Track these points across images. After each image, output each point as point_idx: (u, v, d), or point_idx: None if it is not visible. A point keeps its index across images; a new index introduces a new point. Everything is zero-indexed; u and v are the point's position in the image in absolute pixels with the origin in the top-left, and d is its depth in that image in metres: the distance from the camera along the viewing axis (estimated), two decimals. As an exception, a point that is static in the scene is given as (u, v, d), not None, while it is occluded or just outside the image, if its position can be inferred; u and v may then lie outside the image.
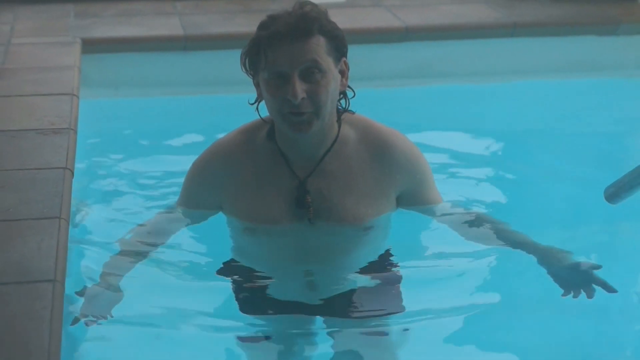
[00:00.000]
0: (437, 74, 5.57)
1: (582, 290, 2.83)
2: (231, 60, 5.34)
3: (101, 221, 3.76)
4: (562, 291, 2.87)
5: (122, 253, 3.17)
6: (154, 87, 5.37)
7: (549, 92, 5.57)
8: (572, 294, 2.85)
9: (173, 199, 3.39)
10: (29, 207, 3.07)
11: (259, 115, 3.05)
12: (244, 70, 2.98)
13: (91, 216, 3.77)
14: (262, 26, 2.91)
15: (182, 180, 3.27)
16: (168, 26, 5.61)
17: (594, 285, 2.84)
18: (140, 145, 4.86)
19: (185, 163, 4.48)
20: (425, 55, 5.55)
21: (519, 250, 3.08)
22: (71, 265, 2.91)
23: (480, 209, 3.47)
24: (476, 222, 3.24)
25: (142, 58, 5.39)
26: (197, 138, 4.93)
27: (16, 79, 4.51)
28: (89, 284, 3.01)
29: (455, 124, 5.09)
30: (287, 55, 2.85)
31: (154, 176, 4.37)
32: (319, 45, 2.87)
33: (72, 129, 3.78)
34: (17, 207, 3.07)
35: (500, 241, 3.15)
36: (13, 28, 5.50)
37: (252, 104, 3.04)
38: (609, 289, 2.83)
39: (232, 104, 5.30)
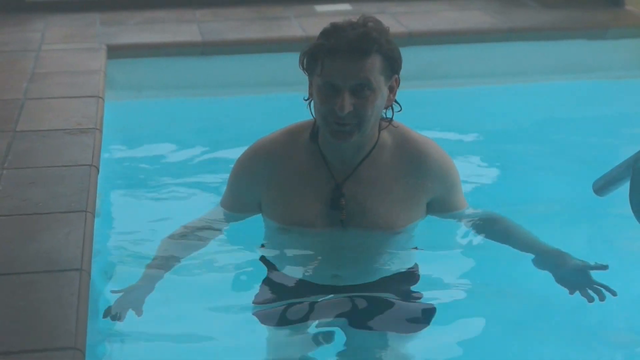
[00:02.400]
0: (439, 76, 5.56)
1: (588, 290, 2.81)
2: (246, 64, 5.43)
3: (124, 214, 3.76)
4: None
5: (164, 252, 3.11)
6: (174, 90, 5.37)
7: (542, 92, 5.56)
8: (577, 292, 2.82)
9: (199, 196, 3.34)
10: (57, 201, 3.08)
11: (311, 112, 2.96)
12: (300, 68, 2.90)
13: (114, 210, 3.78)
14: (325, 35, 2.84)
15: (199, 176, 3.23)
16: (187, 33, 5.61)
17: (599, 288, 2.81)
18: (161, 144, 4.86)
19: (203, 159, 4.51)
20: (428, 58, 5.54)
21: (529, 254, 3.03)
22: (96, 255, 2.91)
23: (499, 212, 3.33)
24: (496, 227, 3.16)
25: (163, 63, 5.39)
26: (215, 137, 4.93)
27: (46, 82, 4.52)
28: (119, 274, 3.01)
29: (454, 122, 5.09)
30: (342, 70, 2.78)
31: (174, 172, 4.37)
32: (374, 65, 2.80)
33: (97, 129, 3.79)
34: (46, 202, 3.08)
35: (517, 246, 3.09)
36: (44, 35, 5.50)
37: (306, 100, 2.97)
38: (610, 291, 2.80)
39: (247, 105, 5.33)
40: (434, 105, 5.32)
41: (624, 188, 2.71)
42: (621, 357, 3.03)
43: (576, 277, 2.89)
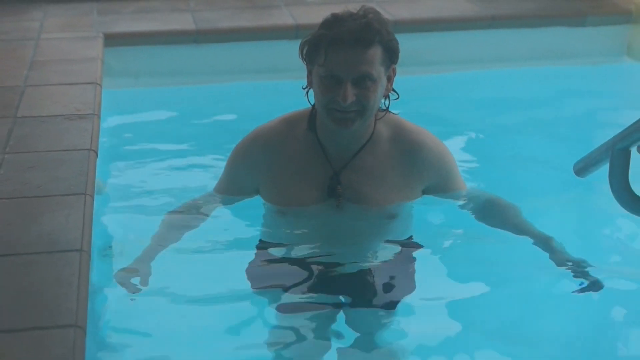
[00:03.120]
0: (424, 63, 5.54)
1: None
2: (238, 52, 5.42)
3: (121, 197, 3.76)
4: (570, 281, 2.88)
5: (158, 234, 3.12)
6: (168, 77, 5.35)
7: (524, 77, 5.56)
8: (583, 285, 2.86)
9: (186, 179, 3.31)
10: (57, 184, 3.08)
11: (308, 101, 2.95)
12: (300, 57, 2.87)
13: (111, 192, 3.77)
14: (326, 25, 2.81)
15: (191, 159, 3.19)
16: (181, 21, 5.59)
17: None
18: (156, 129, 4.85)
19: (196, 144, 4.50)
20: (413, 45, 5.49)
21: (527, 238, 3.05)
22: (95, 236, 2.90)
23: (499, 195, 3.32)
24: (493, 209, 3.17)
25: (158, 50, 5.38)
26: (208, 123, 4.92)
27: (45, 70, 4.50)
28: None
29: (439, 107, 5.09)
30: (344, 61, 2.76)
31: (168, 157, 4.37)
32: (375, 56, 2.78)
33: (95, 115, 3.78)
34: (46, 185, 3.07)
35: (513, 230, 3.11)
36: (42, 25, 5.48)
37: (304, 88, 2.94)
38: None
39: (238, 92, 5.32)
40: (419, 91, 5.30)
41: (604, 169, 2.71)
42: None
43: (576, 265, 2.92)
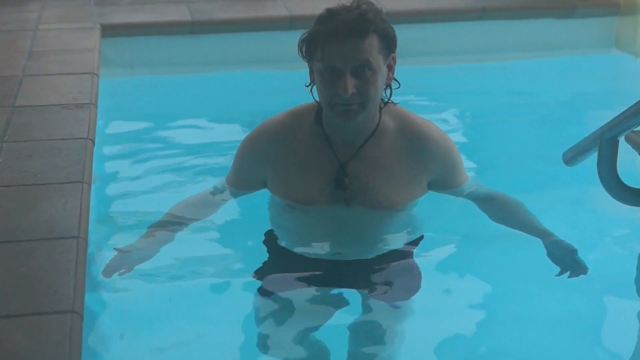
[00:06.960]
0: (416, 54, 5.53)
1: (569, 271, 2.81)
2: (233, 43, 5.41)
3: (117, 184, 3.76)
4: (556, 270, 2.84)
5: (163, 221, 3.10)
6: (165, 67, 5.36)
7: (513, 68, 5.57)
8: (567, 272, 2.81)
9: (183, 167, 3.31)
10: (55, 172, 3.07)
11: (313, 97, 2.91)
12: (300, 55, 2.84)
13: (108, 180, 3.77)
14: (321, 20, 2.78)
15: (186, 148, 3.17)
16: (177, 13, 5.58)
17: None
18: (152, 118, 4.85)
19: (191, 133, 4.50)
20: (405, 36, 5.42)
21: (529, 235, 3.01)
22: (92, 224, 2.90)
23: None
24: (496, 204, 3.12)
25: (154, 41, 5.37)
26: (202, 112, 4.92)
27: (43, 60, 4.49)
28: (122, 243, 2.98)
29: (430, 97, 5.08)
30: (342, 52, 2.73)
31: (163, 144, 4.37)
32: (372, 45, 2.75)
33: (93, 104, 3.77)
34: (44, 173, 3.06)
35: (514, 224, 3.07)
36: (40, 16, 5.47)
37: (307, 86, 2.91)
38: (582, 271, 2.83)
39: (233, 81, 5.32)
40: (410, 82, 5.28)
41: (592, 158, 2.71)
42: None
43: (564, 255, 2.88)
